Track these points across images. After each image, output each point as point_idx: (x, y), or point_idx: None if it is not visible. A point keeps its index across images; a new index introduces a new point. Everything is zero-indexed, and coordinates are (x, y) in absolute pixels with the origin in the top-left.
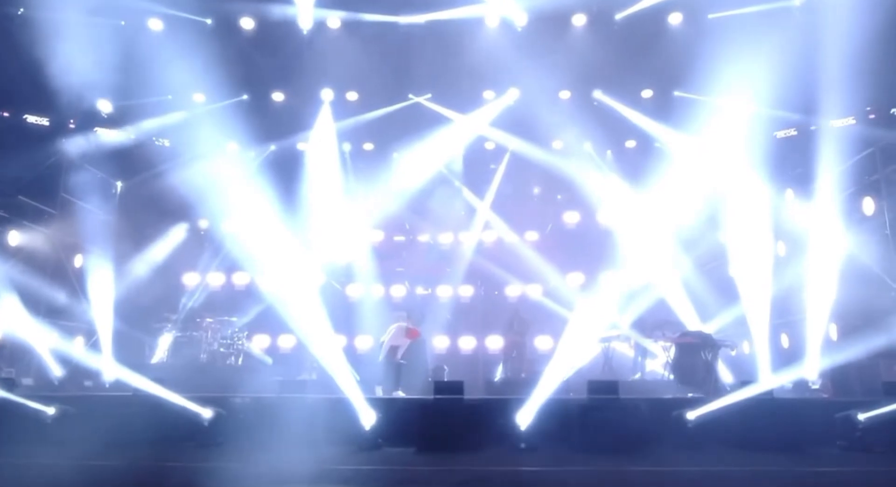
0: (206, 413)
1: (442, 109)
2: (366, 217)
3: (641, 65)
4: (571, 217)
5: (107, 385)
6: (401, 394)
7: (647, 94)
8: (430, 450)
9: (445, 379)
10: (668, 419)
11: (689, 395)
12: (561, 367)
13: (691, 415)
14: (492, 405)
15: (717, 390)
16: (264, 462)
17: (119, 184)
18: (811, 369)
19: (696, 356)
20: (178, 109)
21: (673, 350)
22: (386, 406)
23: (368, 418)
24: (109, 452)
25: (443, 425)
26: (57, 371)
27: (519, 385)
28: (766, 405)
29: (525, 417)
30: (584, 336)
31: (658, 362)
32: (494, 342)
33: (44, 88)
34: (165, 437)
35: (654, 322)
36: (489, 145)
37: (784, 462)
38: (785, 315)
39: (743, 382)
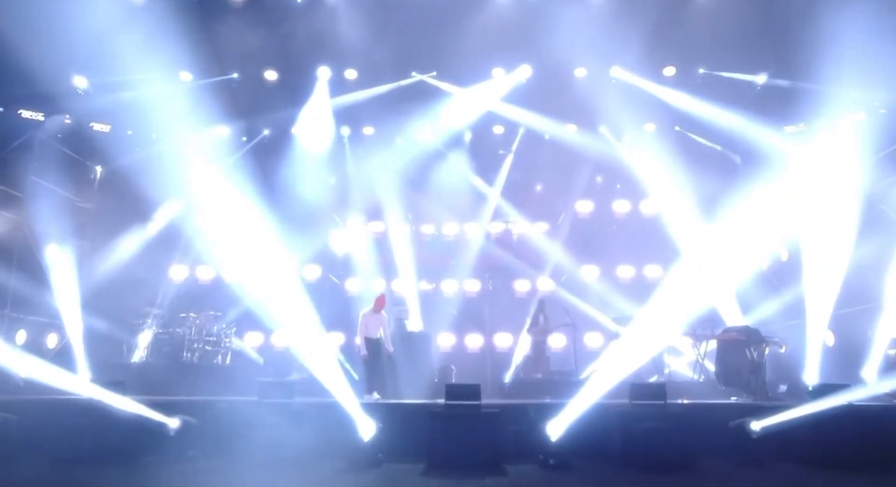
0: (173, 423)
1: (448, 86)
2: (366, 206)
3: (664, 39)
4: (585, 206)
5: (113, 383)
6: (376, 396)
7: (669, 71)
8: (440, 467)
9: (453, 381)
10: (726, 429)
11: (733, 399)
12: (612, 372)
13: (756, 426)
14: (515, 413)
15: (765, 393)
16: (238, 483)
17: (99, 169)
18: (872, 371)
19: (741, 355)
20: (162, 88)
21: (704, 348)
22: (388, 414)
23: (367, 427)
24: (51, 471)
25: (456, 437)
26: (22, 372)
27: (534, 388)
28: (847, 415)
29: (556, 427)
30: (646, 338)
31: (683, 361)
32: (503, 340)
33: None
34: (123, 451)
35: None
36: (498, 130)
37: (870, 483)
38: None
39: (823, 386)
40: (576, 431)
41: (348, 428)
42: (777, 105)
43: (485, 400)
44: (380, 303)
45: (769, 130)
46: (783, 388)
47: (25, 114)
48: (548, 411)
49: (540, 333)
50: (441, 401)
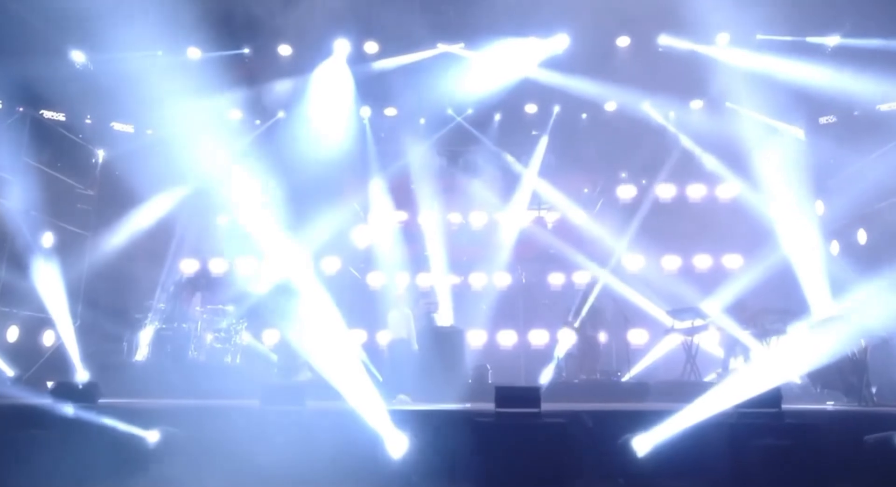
0: (152, 436)
1: (477, 58)
2: (388, 195)
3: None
4: (626, 192)
5: (79, 386)
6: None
7: (723, 38)
8: None
9: (490, 382)
10: (861, 446)
11: (830, 404)
12: (737, 385)
13: None
14: (581, 423)
15: (871, 397)
16: None
17: (101, 153)
18: None
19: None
20: (168, 64)
21: (775, 344)
22: (422, 423)
23: (396, 442)
24: None
25: (510, 453)
26: (9, 371)
27: (578, 391)
28: None
29: (641, 442)
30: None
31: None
32: (539, 337)
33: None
34: (87, 471)
35: (753, 309)
36: (530, 109)
37: None
38: None
39: None
40: (666, 446)
41: (373, 443)
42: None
43: (552, 408)
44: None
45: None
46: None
47: (48, 114)
48: (636, 422)
49: (596, 329)
50: (488, 407)
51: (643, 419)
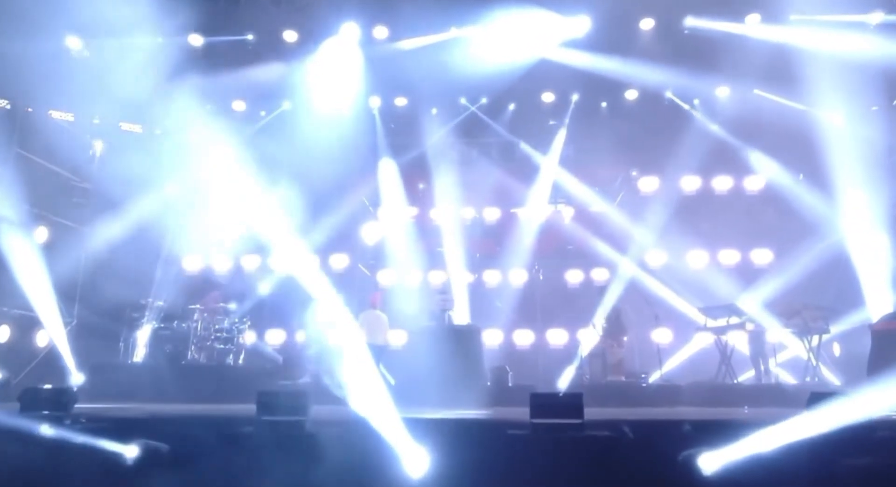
0: (130, 451)
1: (491, 35)
2: (399, 188)
3: None
4: (648, 184)
5: (74, 389)
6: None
7: (753, 19)
8: None
9: (510, 384)
10: None
11: None
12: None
13: None
14: (641, 435)
15: None
16: None
17: (98, 145)
18: None
19: None
20: (168, 52)
21: (817, 342)
22: (443, 435)
23: (415, 457)
24: None
25: (548, 471)
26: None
27: (601, 394)
28: None
29: (710, 459)
30: None
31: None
32: (557, 337)
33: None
34: None
35: (792, 305)
36: (547, 98)
37: None
38: None
39: None
40: (738, 464)
41: (388, 458)
42: None
43: (597, 417)
44: (375, 299)
45: None
46: None
47: (55, 114)
48: (677, 431)
49: (620, 331)
50: (517, 414)
51: (705, 431)
